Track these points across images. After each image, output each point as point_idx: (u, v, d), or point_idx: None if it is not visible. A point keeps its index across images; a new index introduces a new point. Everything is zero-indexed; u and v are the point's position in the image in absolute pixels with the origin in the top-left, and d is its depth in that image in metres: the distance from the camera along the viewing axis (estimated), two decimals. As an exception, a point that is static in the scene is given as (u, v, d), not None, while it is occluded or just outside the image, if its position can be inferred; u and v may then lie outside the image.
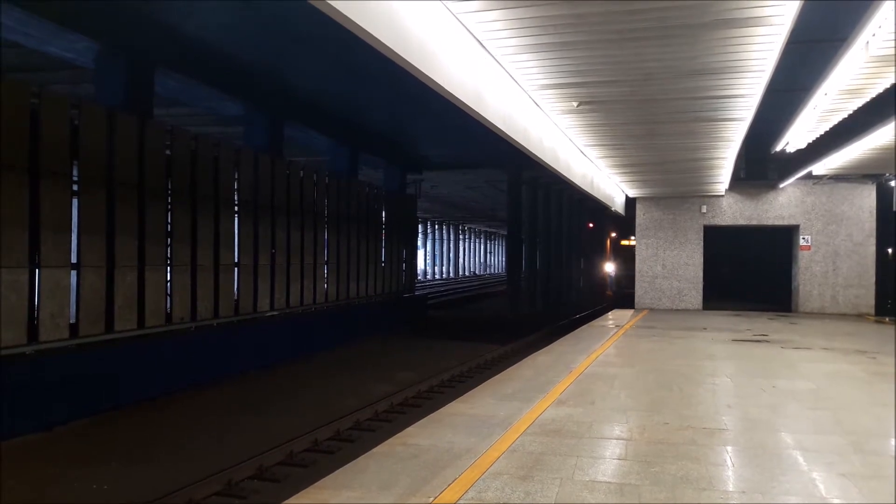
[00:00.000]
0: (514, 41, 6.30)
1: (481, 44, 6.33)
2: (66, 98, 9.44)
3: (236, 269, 12.90)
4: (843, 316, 16.80)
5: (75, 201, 9.39)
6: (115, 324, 9.92)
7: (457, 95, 5.90)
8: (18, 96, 8.53)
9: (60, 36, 10.49)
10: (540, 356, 10.17)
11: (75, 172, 9.40)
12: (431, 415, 6.33)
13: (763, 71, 7.18)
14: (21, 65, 12.35)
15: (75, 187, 9.39)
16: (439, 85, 5.51)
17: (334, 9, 3.82)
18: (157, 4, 10.39)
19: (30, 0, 9.40)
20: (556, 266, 30.71)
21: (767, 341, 11.87)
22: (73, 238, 9.29)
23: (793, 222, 17.72)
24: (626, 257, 29.69)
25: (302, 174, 15.27)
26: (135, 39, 11.00)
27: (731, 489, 4.40)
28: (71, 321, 9.25)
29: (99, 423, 9.09)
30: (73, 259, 9.32)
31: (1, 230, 8.16)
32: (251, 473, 7.07)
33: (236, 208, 12.99)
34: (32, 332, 8.67)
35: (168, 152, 11.17)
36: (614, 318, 16.39)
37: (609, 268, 31.50)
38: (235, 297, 12.87)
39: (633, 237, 28.24)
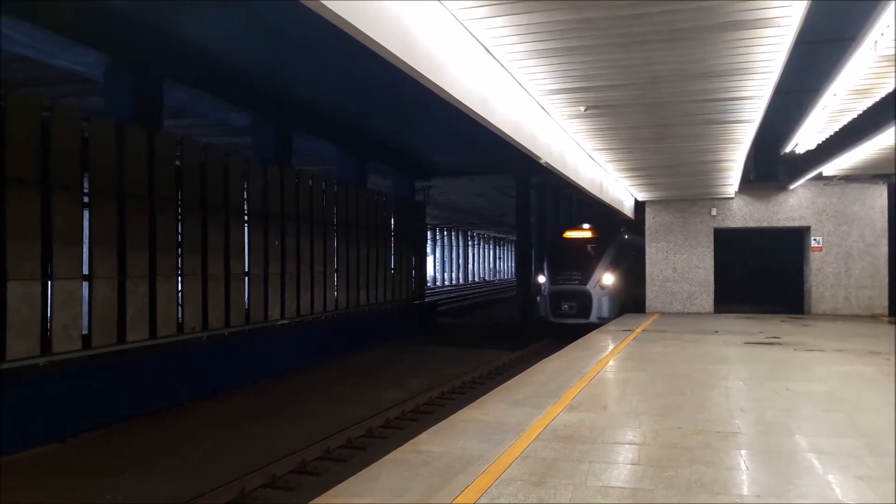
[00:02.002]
0: (520, 47, 6.31)
1: (488, 50, 6.34)
2: (76, 111, 9.53)
3: (247, 278, 12.96)
4: (856, 317, 16.64)
5: (86, 213, 9.48)
6: (128, 334, 9.99)
7: (464, 102, 5.90)
8: (30, 109, 8.64)
9: (69, 49, 10.60)
10: (551, 361, 10.14)
11: (86, 184, 9.50)
12: (443, 421, 6.32)
13: (771, 72, 7.16)
14: (29, 78, 12.47)
15: (86, 199, 9.48)
16: (446, 92, 5.52)
17: (341, 18, 3.85)
18: (165, 15, 10.48)
19: (39, 9, 9.49)
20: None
21: (780, 343, 11.78)
22: (84, 250, 9.37)
23: (804, 224, 17.60)
24: (573, 261, 18.23)
25: (311, 183, 15.34)
26: (143, 51, 11.10)
27: (745, 493, 4.36)
28: (83, 332, 9.33)
29: (111, 434, 9.13)
30: (86, 270, 9.40)
31: (14, 242, 8.25)
32: (264, 482, 7.09)
33: (246, 218, 13.07)
34: (45, 343, 8.74)
35: (178, 163, 11.25)
36: (625, 322, 16.32)
37: (540, 279, 18.70)
38: (246, 307, 12.93)
39: (585, 224, 19.82)
